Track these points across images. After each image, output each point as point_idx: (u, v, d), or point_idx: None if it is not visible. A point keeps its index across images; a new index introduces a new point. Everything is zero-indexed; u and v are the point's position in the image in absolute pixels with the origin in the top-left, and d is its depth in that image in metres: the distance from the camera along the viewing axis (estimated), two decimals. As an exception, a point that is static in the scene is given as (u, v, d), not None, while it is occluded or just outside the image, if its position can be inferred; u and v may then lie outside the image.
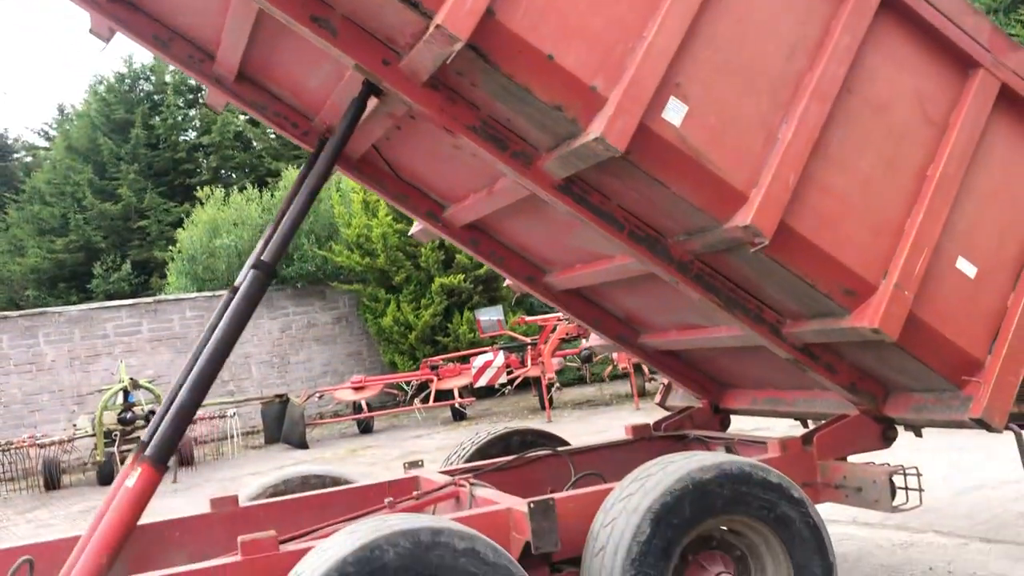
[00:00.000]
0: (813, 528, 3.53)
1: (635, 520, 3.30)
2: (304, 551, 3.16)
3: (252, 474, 12.03)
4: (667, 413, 5.65)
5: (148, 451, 3.77)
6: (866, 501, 3.98)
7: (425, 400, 15.29)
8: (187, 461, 13.45)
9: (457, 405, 15.25)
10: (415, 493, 4.19)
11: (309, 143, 4.36)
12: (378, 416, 15.91)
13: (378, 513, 4.10)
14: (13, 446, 12.49)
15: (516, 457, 4.89)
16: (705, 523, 3.44)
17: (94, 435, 12.56)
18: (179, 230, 20.63)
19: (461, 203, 4.41)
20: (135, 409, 12.54)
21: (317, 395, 15.63)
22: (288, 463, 12.78)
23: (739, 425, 6.09)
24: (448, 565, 3.00)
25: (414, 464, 5.04)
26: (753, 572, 3.60)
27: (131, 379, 12.65)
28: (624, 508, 3.39)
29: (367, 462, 11.89)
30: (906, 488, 3.97)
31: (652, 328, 5.07)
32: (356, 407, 15.46)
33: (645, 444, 5.29)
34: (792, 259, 3.46)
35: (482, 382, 14.78)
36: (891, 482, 3.92)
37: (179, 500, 10.67)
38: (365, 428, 15.39)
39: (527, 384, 16.31)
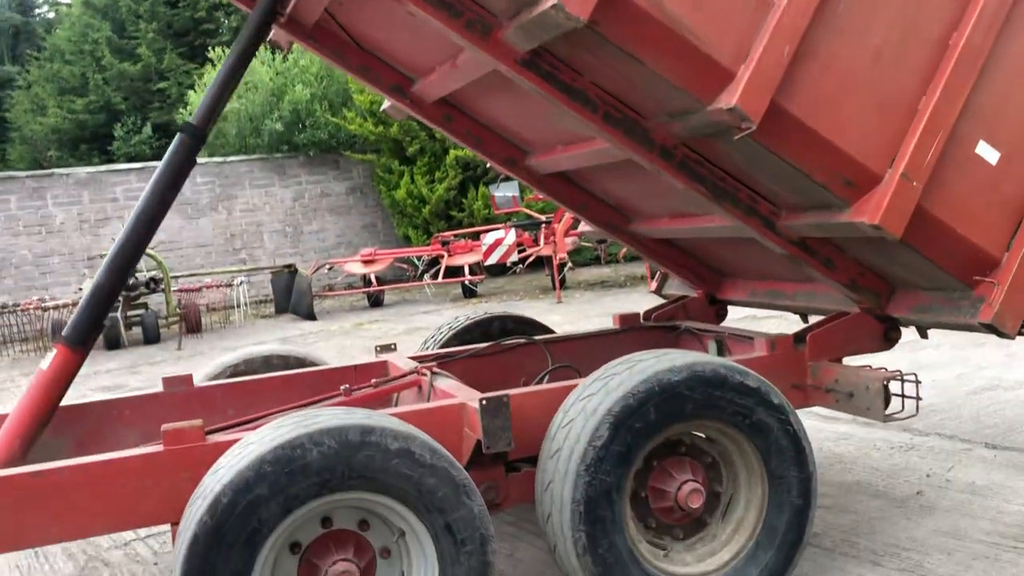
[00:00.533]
0: (792, 437, 3.23)
1: (593, 423, 3.01)
2: (232, 443, 2.91)
3: (256, 343, 11.97)
4: (663, 301, 5.32)
5: (65, 331, 3.54)
6: (857, 408, 3.67)
7: (435, 276, 15.07)
8: (194, 328, 13.44)
9: (467, 282, 15.02)
10: (373, 381, 3.92)
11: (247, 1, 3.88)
12: (388, 290, 15.75)
13: (332, 401, 3.86)
14: (20, 308, 12.47)
15: (490, 345, 4.60)
16: (673, 428, 3.15)
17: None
18: (190, 92, 20.11)
19: (427, 77, 3.96)
20: (137, 275, 12.41)
21: (327, 267, 15.46)
22: (294, 333, 12.72)
23: (739, 315, 5.76)
24: (378, 467, 2.74)
25: (386, 348, 4.78)
26: (724, 481, 3.33)
27: (133, 245, 12.45)
28: (583, 409, 3.09)
29: (371, 336, 11.77)
30: (903, 396, 3.65)
31: (643, 215, 4.68)
32: (365, 280, 15.28)
33: (633, 335, 4.98)
34: (784, 145, 3.03)
35: (492, 260, 14.51)
36: (885, 389, 3.59)
37: (180, 368, 10.64)
38: (375, 302, 15.25)
39: (540, 263, 16.02)
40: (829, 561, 3.67)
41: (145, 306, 13.14)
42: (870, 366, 3.78)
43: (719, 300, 5.15)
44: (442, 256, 15.06)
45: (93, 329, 3.33)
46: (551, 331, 5.10)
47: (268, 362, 4.57)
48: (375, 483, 2.76)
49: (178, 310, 12.74)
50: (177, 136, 3.21)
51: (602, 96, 3.23)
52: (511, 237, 14.43)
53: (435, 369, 3.97)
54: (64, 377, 3.22)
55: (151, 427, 4.16)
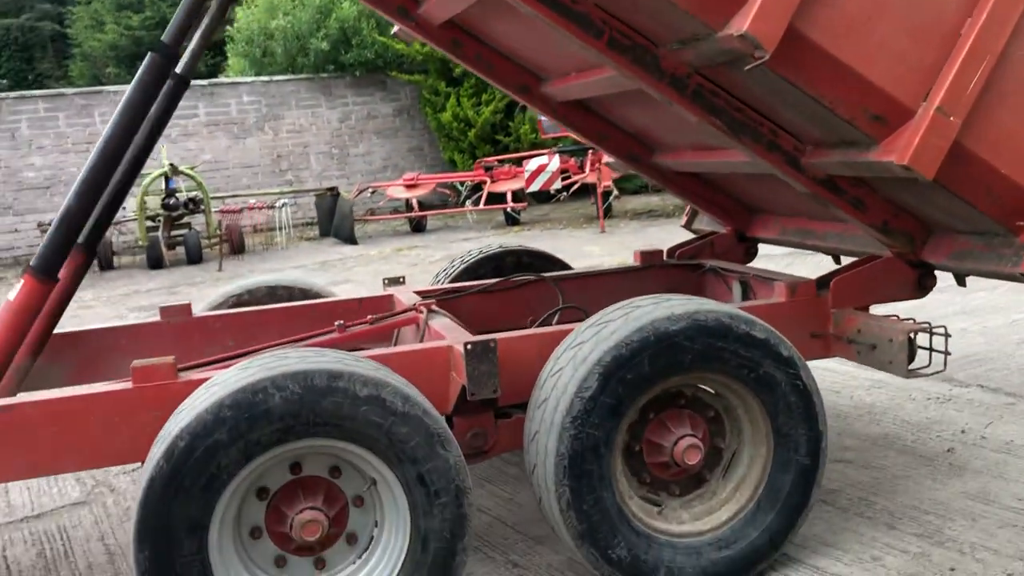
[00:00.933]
0: (802, 392, 2.99)
1: (581, 372, 2.81)
2: (203, 382, 2.78)
3: (296, 267, 11.97)
4: (690, 238, 5.05)
5: (33, 261, 3.35)
6: (879, 362, 3.40)
7: (477, 203, 14.85)
8: (238, 250, 13.48)
9: (509, 209, 14.77)
10: (369, 318, 3.76)
11: None
12: (431, 216, 15.59)
13: (325, 337, 3.72)
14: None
15: (498, 281, 4.40)
16: (670, 380, 2.94)
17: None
18: (237, 9, 19.86)
19: (431, -2, 3.68)
20: (176, 195, 12.42)
21: (369, 190, 15.32)
22: (334, 257, 12.67)
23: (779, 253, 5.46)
24: (346, 414, 2.59)
25: (395, 281, 4.61)
26: (727, 436, 3.12)
27: (171, 164, 12.45)
28: (573, 358, 2.89)
29: (408, 262, 11.66)
30: (930, 349, 3.37)
31: (665, 147, 4.38)
32: (407, 205, 15.13)
33: (654, 273, 4.73)
34: (804, 76, 2.72)
35: (534, 187, 14.20)
36: (910, 342, 3.31)
37: (221, 288, 10.66)
38: (417, 227, 15.11)
39: (586, 191, 15.67)
40: (842, 521, 3.46)
41: (188, 226, 13.18)
42: (897, 316, 3.50)
43: (748, 238, 4.86)
44: (485, 182, 14.79)
45: (60, 259, 3.18)
46: (567, 267, 4.87)
47: (272, 293, 4.44)
48: (342, 431, 2.61)
49: (218, 232, 12.76)
50: (148, 56, 3.02)
51: (607, 20, 2.94)
52: (555, 163, 14.07)
53: (433, 307, 3.78)
54: (30, 307, 3.09)
55: (148, 356, 4.08)
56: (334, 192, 14.30)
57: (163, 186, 12.41)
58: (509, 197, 14.72)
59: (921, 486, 3.74)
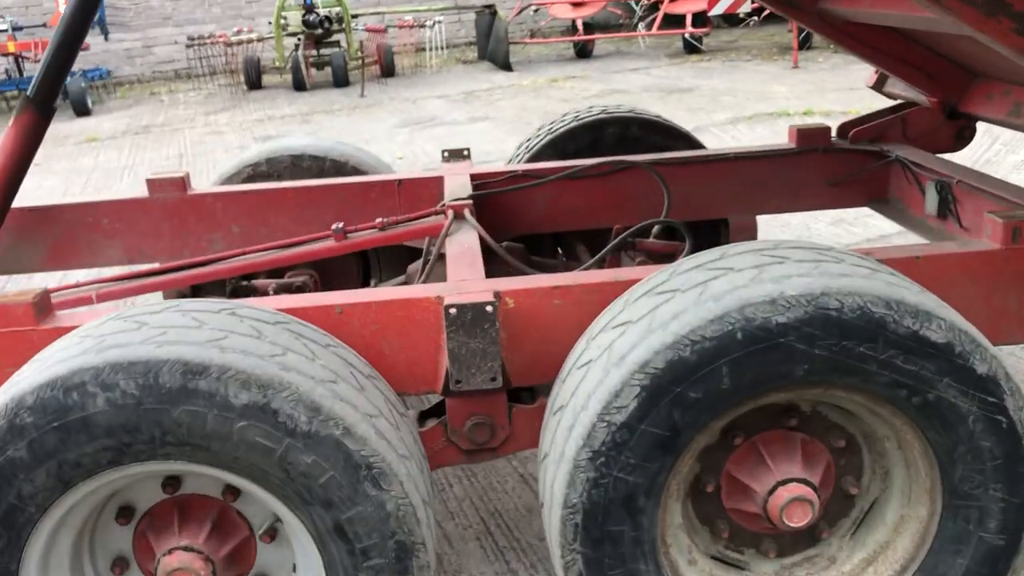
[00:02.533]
0: (1005, 433, 1.75)
1: (614, 381, 1.70)
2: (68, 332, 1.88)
3: (439, 96, 10.97)
4: (873, 110, 3.62)
5: (29, 91, 2.90)
6: None
7: (651, 26, 13.08)
8: (387, 72, 12.58)
9: (688, 35, 12.92)
10: (379, 221, 2.73)
11: None
12: (599, 40, 13.96)
13: (321, 246, 2.73)
14: (210, 40, 12.06)
15: (582, 167, 3.22)
16: (768, 397, 1.77)
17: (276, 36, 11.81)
18: None
19: None
20: (316, 11, 11.49)
21: (532, 8, 13.83)
22: (482, 86, 11.56)
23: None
24: (211, 432, 1.63)
25: (456, 154, 3.53)
26: (865, 477, 1.94)
27: (308, -22, 11.47)
28: (608, 348, 1.77)
29: (560, 97, 10.38)
30: None
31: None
32: (572, 26, 13.57)
33: (812, 160, 3.39)
34: None
35: (718, 9, 12.25)
36: None
37: (356, 118, 9.90)
38: (582, 52, 13.58)
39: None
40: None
41: (337, 44, 12.32)
42: None
43: (962, 114, 3.38)
44: (661, 1, 12.94)
45: (57, 87, 2.84)
46: (694, 143, 3.59)
47: (297, 163, 3.46)
48: (211, 455, 1.66)
49: (359, 53, 11.83)
50: None
51: None
52: (744, -18, 12.04)
53: (465, 211, 2.69)
54: (26, 141, 2.80)
55: (132, 241, 3.29)
56: (492, 10, 12.94)
57: (302, 0, 11.50)
58: (689, 20, 12.85)
59: None
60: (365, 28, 12.48)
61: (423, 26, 12.66)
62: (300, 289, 2.90)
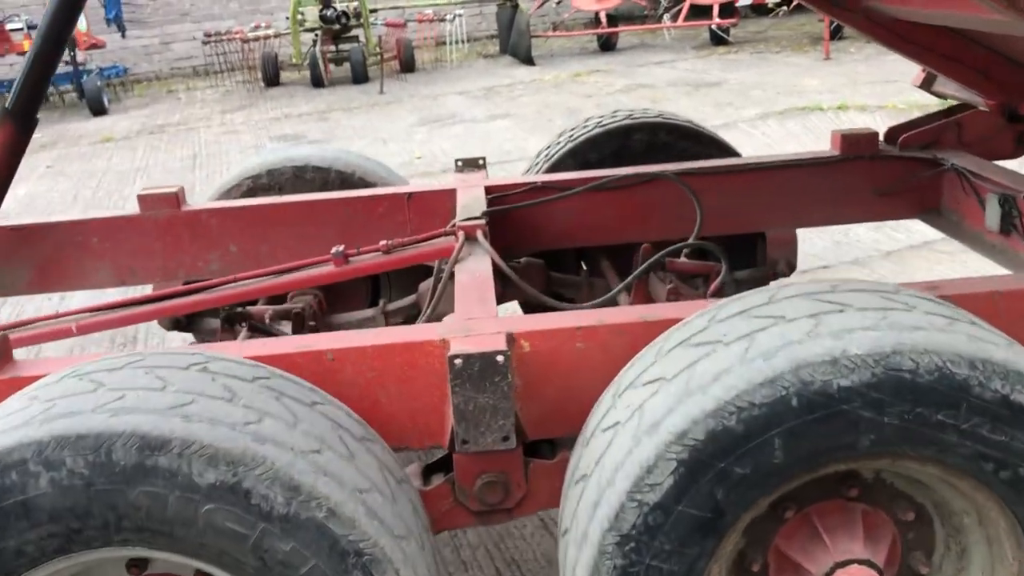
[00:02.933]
0: (1108, 510, 1.48)
1: (647, 452, 1.45)
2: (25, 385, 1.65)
3: (459, 93, 10.71)
4: (925, 113, 3.33)
5: (8, 103, 2.74)
6: None
7: (676, 17, 12.74)
8: (407, 67, 12.34)
9: (715, 27, 12.57)
10: (385, 244, 2.49)
11: None
12: (623, 32, 13.63)
13: (319, 271, 2.50)
14: (226, 37, 11.87)
15: (605, 179, 2.96)
16: (827, 469, 1.51)
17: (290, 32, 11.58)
18: None
19: None
20: (333, 6, 11.25)
21: (554, 0, 13.52)
22: (503, 82, 11.29)
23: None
24: (175, 517, 1.40)
25: (472, 164, 3.28)
26: (937, 555, 1.68)
27: (324, -30, 11.23)
28: (638, 409, 1.52)
29: (583, 92, 10.09)
30: None
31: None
32: (596, 19, 13.25)
33: (858, 168, 3.11)
34: None
35: None
36: None
37: (374, 115, 9.67)
38: (605, 45, 13.26)
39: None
40: None
41: (356, 39, 12.08)
42: None
43: (1022, 117, 3.09)
44: (687, -8, 12.60)
45: (38, 99, 2.68)
46: (728, 151, 3.32)
47: (300, 175, 3.23)
48: (173, 541, 1.42)
49: (378, 48, 11.59)
50: None
51: None
52: (773, -29, 11.66)
53: (479, 232, 2.44)
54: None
55: (123, 261, 3.07)
56: (513, 2, 12.65)
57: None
58: (715, 11, 12.50)
59: None
60: (384, 23, 12.24)
61: (443, 20, 12.40)
62: (299, 315, 2.67)
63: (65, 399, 1.46)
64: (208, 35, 11.95)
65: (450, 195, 2.99)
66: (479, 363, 1.65)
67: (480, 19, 15.69)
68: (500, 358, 1.65)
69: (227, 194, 3.24)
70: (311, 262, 2.51)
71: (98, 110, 11.17)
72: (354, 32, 12.09)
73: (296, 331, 2.64)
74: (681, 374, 1.51)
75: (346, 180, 3.23)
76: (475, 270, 2.23)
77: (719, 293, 2.61)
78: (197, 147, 8.85)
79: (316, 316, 2.89)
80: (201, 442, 1.39)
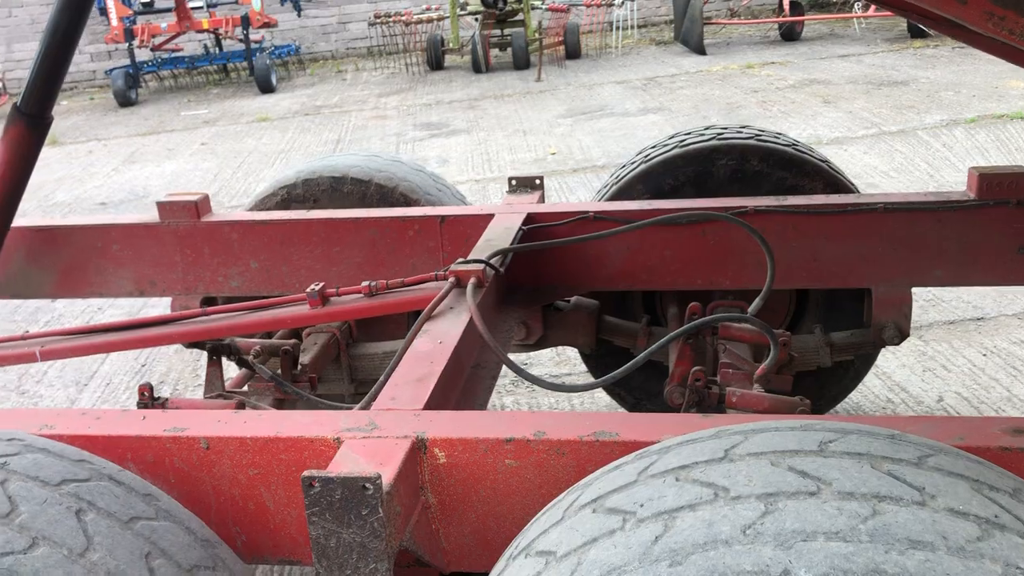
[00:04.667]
0: None
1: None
2: None
3: (618, 82, 10.19)
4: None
5: (20, 103, 2.58)
6: None
7: (868, 6, 11.60)
8: (573, 53, 11.93)
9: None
10: (367, 286, 2.12)
11: None
12: (808, 21, 12.59)
13: (293, 312, 2.17)
14: (390, 19, 11.87)
15: (662, 216, 2.46)
16: None
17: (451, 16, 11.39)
18: None
19: None
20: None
21: (734, -14, 12.66)
22: (667, 71, 10.66)
23: None
24: None
25: (526, 183, 2.89)
26: None
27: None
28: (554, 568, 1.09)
29: (749, 87, 9.32)
30: None
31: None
32: (779, 6, 12.29)
33: (1001, 218, 2.45)
34: None
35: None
36: None
37: (523, 105, 9.35)
38: (787, 34, 12.27)
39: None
40: None
41: (521, 23, 11.78)
42: None
43: None
44: (884, -21, 11.42)
45: (51, 96, 2.42)
46: (840, 184, 2.72)
47: (337, 187, 2.92)
48: None
49: (536, 34, 11.21)
50: None
51: None
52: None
53: (470, 283, 2.03)
54: (16, 157, 2.37)
55: (143, 271, 2.88)
56: (688, -13, 11.93)
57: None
58: None
59: None
60: (547, 7, 11.86)
61: (611, 4, 11.87)
62: (287, 353, 2.36)
63: None
64: (377, 16, 12.00)
65: (487, 221, 2.60)
66: (340, 490, 1.26)
67: (659, 2, 15.00)
68: (368, 487, 1.25)
69: (262, 203, 2.99)
70: (286, 300, 2.20)
71: (265, 88, 11.46)
72: (520, 16, 11.80)
73: (284, 372, 2.34)
74: (571, 556, 1.06)
75: (386, 195, 2.90)
76: (442, 333, 1.83)
77: (772, 376, 2.08)
78: (343, 131, 8.84)
79: (341, 345, 2.62)
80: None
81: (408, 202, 2.89)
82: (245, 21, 11.26)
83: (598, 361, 2.93)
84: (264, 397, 2.29)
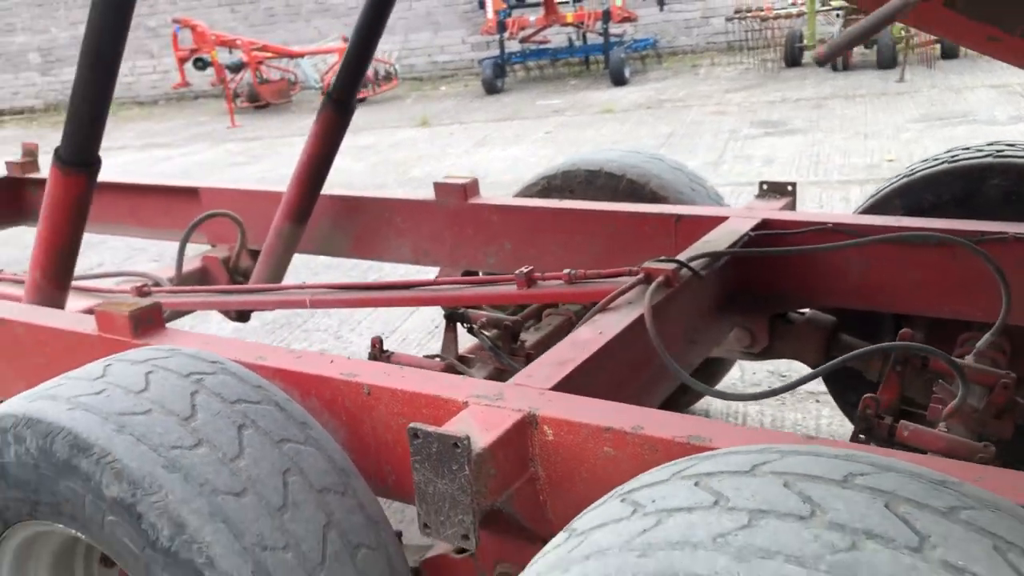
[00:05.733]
0: None
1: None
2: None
3: (995, 87, 9.17)
4: None
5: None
6: None
7: None
8: (950, 53, 10.90)
9: None
10: (568, 273, 2.25)
11: None
12: None
13: (502, 290, 2.37)
14: (749, 14, 11.64)
15: (899, 234, 2.30)
16: None
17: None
18: None
19: None
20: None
21: None
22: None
23: None
24: (89, 516, 1.48)
25: (778, 189, 2.86)
26: None
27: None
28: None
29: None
30: None
31: None
32: None
33: None
34: None
35: None
36: None
37: (873, 107, 8.78)
38: None
39: None
40: None
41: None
42: None
43: None
44: None
45: (95, 141, 2.34)
46: None
47: (591, 180, 3.08)
48: (93, 534, 1.50)
49: (902, 33, 10.34)
50: None
51: None
52: None
53: (652, 284, 2.07)
54: (69, 200, 2.39)
55: (419, 242, 3.27)
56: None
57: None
58: None
59: None
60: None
61: None
62: (507, 328, 2.55)
63: (74, 382, 1.60)
64: (738, 11, 11.87)
65: (720, 222, 2.60)
66: (436, 444, 1.41)
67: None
68: (457, 445, 1.39)
69: (526, 190, 3.23)
70: (501, 279, 2.39)
71: (618, 80, 11.85)
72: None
73: (504, 344, 2.54)
74: (584, 535, 1.13)
75: (636, 191, 3.00)
76: (607, 325, 1.91)
77: (989, 421, 1.90)
78: (678, 126, 8.93)
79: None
80: (114, 455, 1.42)
81: (657, 199, 2.96)
82: (606, 15, 11.72)
83: (834, 380, 2.81)
84: (486, 365, 2.51)
